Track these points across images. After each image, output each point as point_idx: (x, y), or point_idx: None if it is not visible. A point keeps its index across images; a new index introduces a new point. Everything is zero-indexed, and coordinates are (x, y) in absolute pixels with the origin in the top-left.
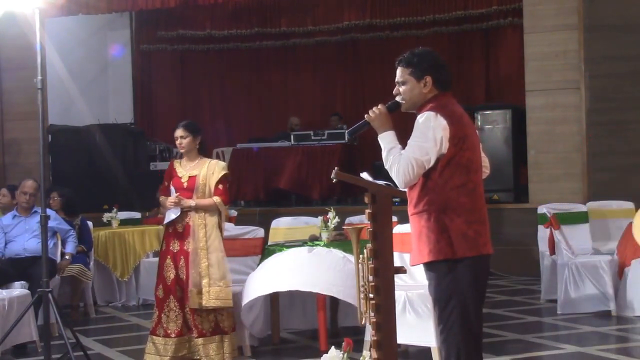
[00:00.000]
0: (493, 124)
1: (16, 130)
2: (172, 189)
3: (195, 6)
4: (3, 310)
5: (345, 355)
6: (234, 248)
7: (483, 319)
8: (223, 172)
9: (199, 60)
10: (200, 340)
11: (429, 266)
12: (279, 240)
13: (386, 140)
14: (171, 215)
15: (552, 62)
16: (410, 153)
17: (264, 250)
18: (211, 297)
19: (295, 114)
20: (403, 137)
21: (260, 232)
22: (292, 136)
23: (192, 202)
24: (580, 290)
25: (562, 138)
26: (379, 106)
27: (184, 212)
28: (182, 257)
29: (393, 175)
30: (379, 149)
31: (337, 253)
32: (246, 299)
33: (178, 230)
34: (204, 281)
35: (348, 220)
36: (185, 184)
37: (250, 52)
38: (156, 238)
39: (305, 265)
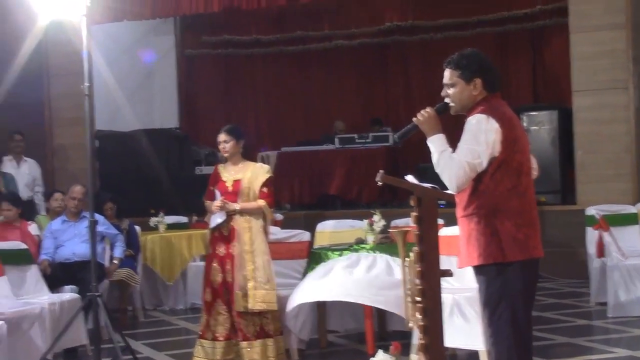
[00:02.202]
0: (539, 125)
1: (64, 136)
2: (217, 193)
3: (238, 11)
4: (54, 315)
5: (394, 358)
6: (279, 252)
7: (532, 322)
8: (267, 175)
9: (243, 65)
10: (244, 344)
11: (478, 269)
12: (325, 243)
13: (436, 143)
14: (217, 219)
15: (599, 61)
16: (462, 156)
17: (310, 254)
18: (257, 300)
19: (339, 116)
20: (452, 140)
21: (306, 236)
22: (336, 139)
23: (236, 206)
24: (631, 293)
25: (611, 138)
26: (428, 109)
27: (230, 215)
28: (228, 260)
29: (444, 179)
30: (423, 151)
31: (382, 261)
32: (289, 305)
33: (224, 234)
34: (250, 284)
35: (393, 223)
36: (230, 188)
37: (293, 56)
38: (203, 242)
39: (351, 275)
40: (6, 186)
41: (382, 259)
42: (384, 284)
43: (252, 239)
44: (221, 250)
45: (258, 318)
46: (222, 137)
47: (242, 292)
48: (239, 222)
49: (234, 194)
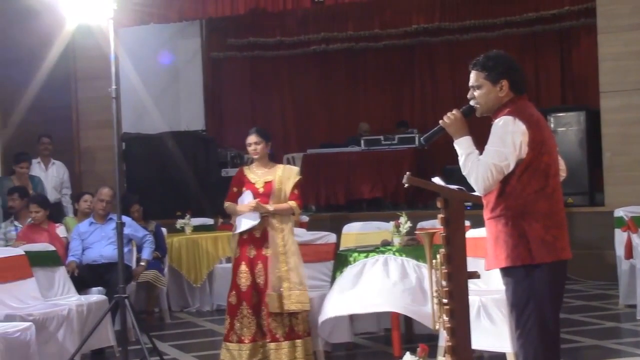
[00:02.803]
0: (567, 127)
1: (91, 139)
2: (249, 194)
3: (264, 13)
4: (82, 316)
5: None
6: (306, 254)
7: (560, 324)
8: (298, 177)
9: (268, 67)
10: (272, 345)
11: (506, 271)
12: (351, 245)
13: (463, 146)
14: (250, 221)
15: (627, 62)
16: (489, 159)
17: (337, 256)
18: (292, 300)
19: (364, 118)
20: (478, 142)
21: (332, 238)
22: (362, 141)
23: (270, 207)
24: None
25: (638, 140)
26: (454, 111)
27: (262, 217)
28: (259, 262)
29: (472, 181)
30: (450, 153)
31: (412, 271)
32: (323, 316)
33: (255, 236)
34: (285, 285)
35: (420, 225)
36: (261, 190)
37: (319, 57)
38: (229, 244)
39: (383, 283)
40: (34, 188)
41: (410, 265)
42: (416, 295)
43: (285, 240)
44: (251, 252)
45: (288, 319)
46: (252, 138)
47: (276, 294)
48: (272, 224)
49: (266, 195)
